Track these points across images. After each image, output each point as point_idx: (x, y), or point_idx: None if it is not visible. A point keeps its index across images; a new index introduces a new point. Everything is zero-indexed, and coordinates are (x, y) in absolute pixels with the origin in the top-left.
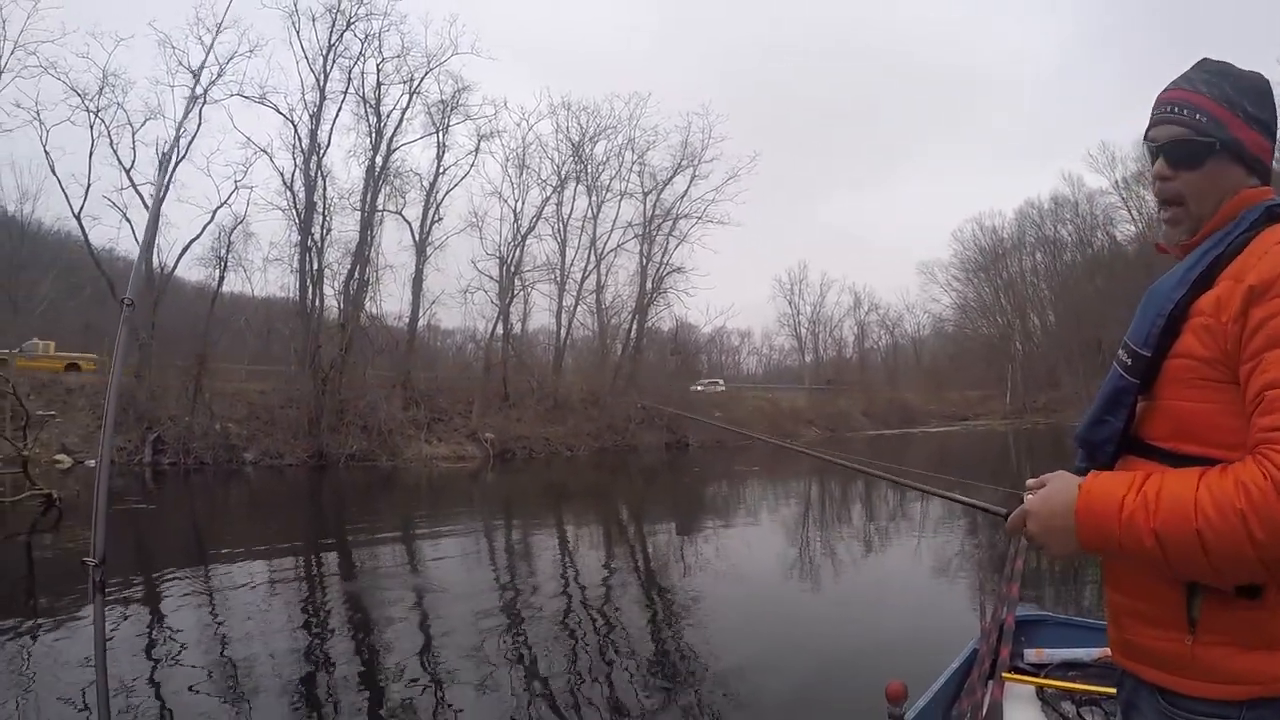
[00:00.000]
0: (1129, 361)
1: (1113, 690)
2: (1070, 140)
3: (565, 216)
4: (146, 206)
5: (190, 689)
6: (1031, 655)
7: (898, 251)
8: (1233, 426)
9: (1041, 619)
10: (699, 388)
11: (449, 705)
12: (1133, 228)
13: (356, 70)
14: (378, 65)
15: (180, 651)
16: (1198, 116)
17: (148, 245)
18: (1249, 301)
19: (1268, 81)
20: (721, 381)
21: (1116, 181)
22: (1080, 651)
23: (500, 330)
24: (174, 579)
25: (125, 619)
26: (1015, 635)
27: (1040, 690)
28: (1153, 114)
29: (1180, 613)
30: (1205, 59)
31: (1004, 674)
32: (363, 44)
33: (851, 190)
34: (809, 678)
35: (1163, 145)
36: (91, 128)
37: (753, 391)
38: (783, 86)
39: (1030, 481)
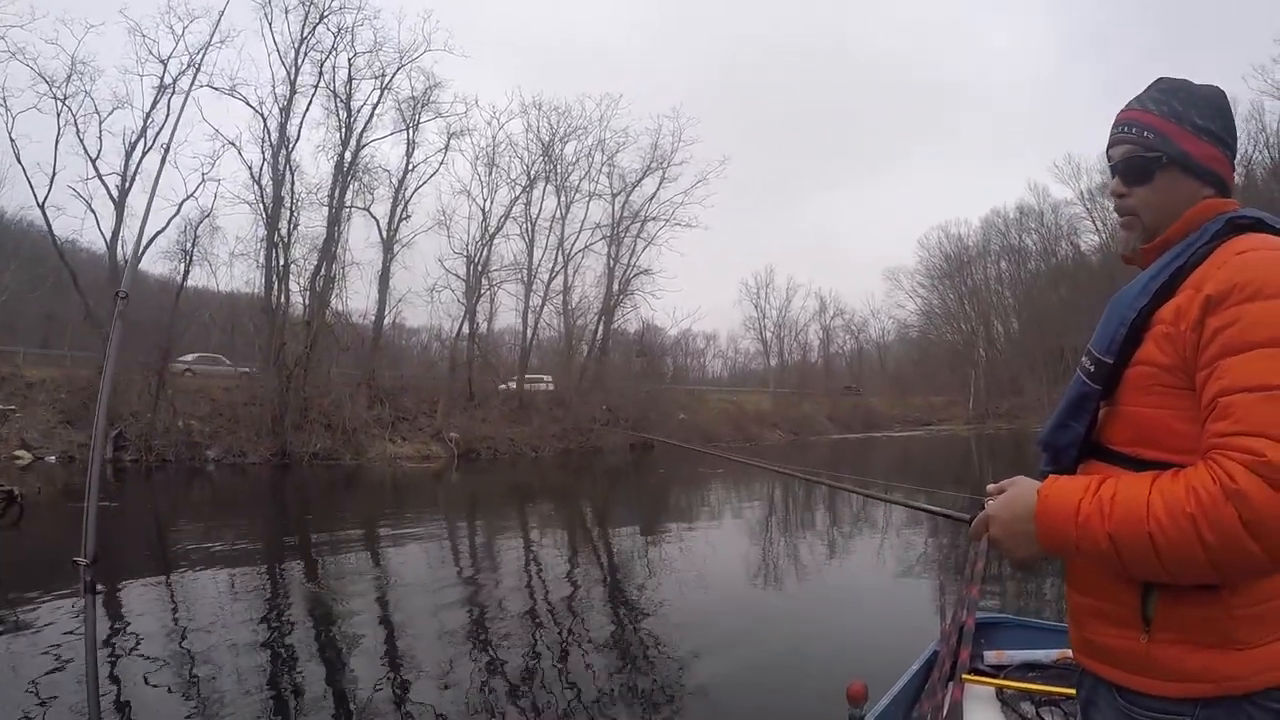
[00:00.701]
0: (1092, 368)
1: (1071, 691)
2: (1039, 152)
3: (534, 216)
4: (112, 198)
5: (152, 688)
6: (991, 657)
7: (865, 257)
8: (1191, 432)
9: (1001, 621)
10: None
11: (410, 703)
12: (1096, 238)
13: (328, 64)
14: (349, 60)
15: (142, 651)
16: (1145, 134)
17: (139, 241)
18: (1206, 310)
19: (1223, 95)
20: (549, 379)
21: (1081, 192)
22: (1039, 653)
23: (466, 330)
24: (137, 577)
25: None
26: (975, 637)
27: (1000, 691)
28: (1110, 134)
29: (1135, 612)
30: (1160, 78)
31: (964, 675)
32: (335, 38)
33: (821, 195)
34: (770, 678)
35: (1116, 163)
36: (58, 115)
37: (717, 394)
38: (755, 94)
39: (990, 487)
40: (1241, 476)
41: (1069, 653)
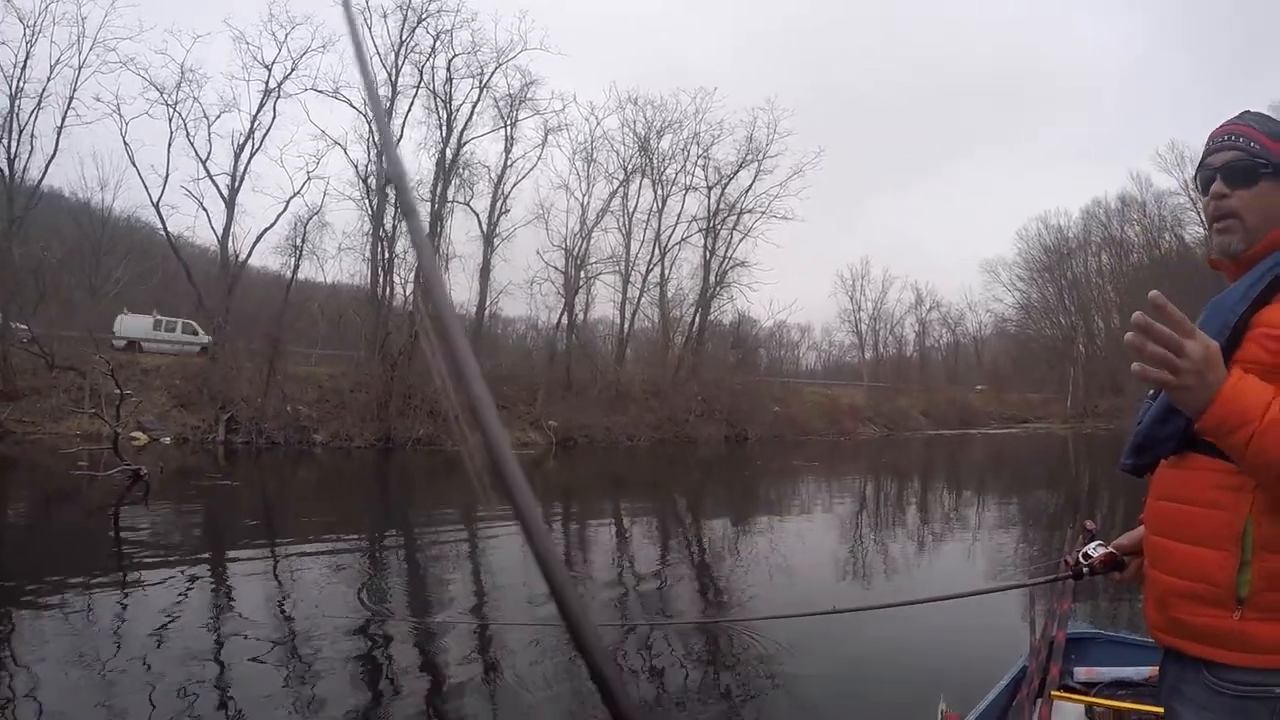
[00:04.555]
0: None
1: (1161, 710)
2: (1139, 139)
3: (630, 210)
4: (223, 196)
5: (253, 659)
6: (1082, 674)
7: (961, 249)
8: None
9: (1093, 636)
10: None
11: (498, 683)
12: (1201, 229)
13: (428, 66)
14: (448, 61)
15: (251, 621)
16: (1252, 144)
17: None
18: None
19: None
20: None
21: (1185, 182)
22: (1130, 670)
23: (565, 320)
24: (254, 550)
25: (201, 585)
26: (1066, 653)
27: (1089, 709)
28: (1207, 146)
29: (1229, 592)
30: (1246, 110)
31: (1053, 692)
32: (434, 40)
33: (917, 186)
34: (852, 686)
35: (1220, 167)
36: (170, 121)
37: (811, 387)
38: (847, 81)
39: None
40: None
41: (1154, 635)
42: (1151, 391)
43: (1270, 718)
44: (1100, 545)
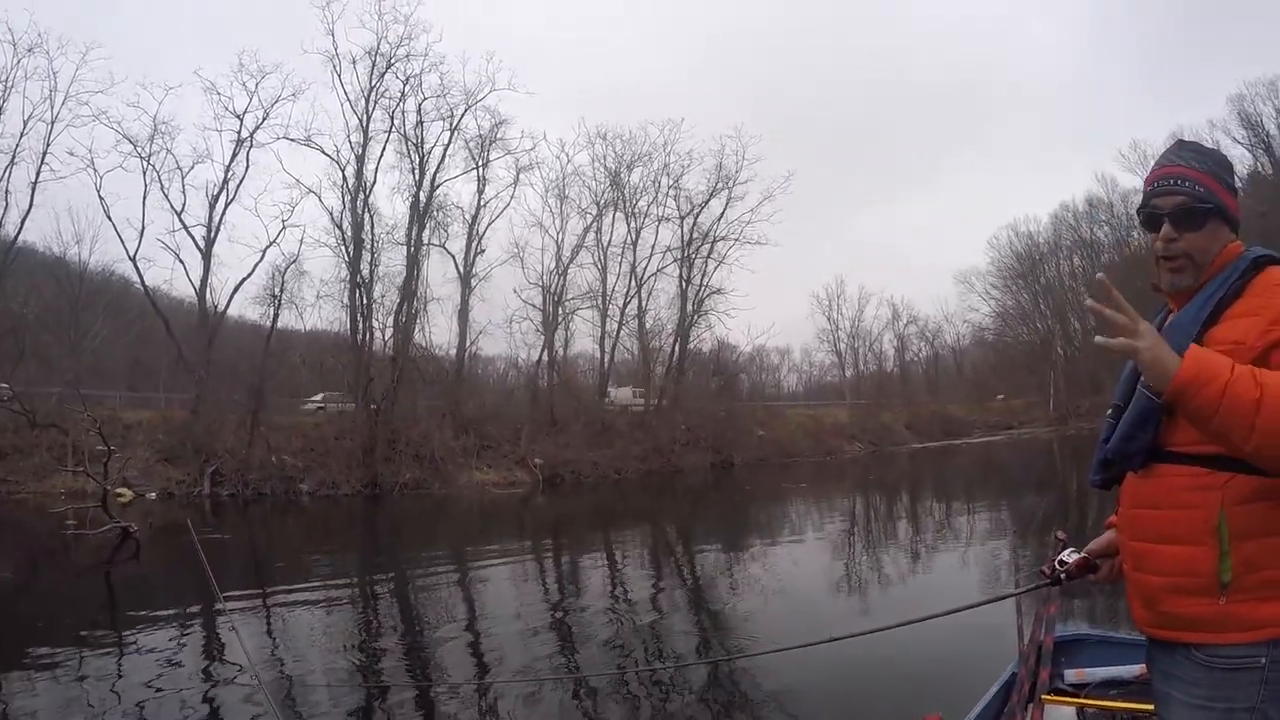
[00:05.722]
0: None
1: (1152, 707)
2: (1101, 138)
3: (605, 244)
4: (199, 248)
5: (254, 707)
6: (1072, 676)
7: (935, 262)
8: None
9: (1081, 638)
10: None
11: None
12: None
13: (398, 110)
14: (418, 105)
15: (252, 683)
16: (1197, 188)
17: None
18: (1273, 322)
19: (1228, 157)
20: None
21: None
22: (1120, 669)
23: (546, 357)
24: (248, 604)
25: (195, 642)
26: (1055, 656)
27: (1081, 711)
28: (1151, 186)
29: (1213, 580)
30: (1181, 140)
31: (1044, 696)
32: (404, 85)
33: (886, 203)
34: (849, 701)
35: (1169, 212)
36: (144, 174)
37: (794, 409)
38: (810, 101)
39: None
40: None
41: (1142, 630)
42: (1111, 411)
43: (1257, 686)
44: (1074, 551)
